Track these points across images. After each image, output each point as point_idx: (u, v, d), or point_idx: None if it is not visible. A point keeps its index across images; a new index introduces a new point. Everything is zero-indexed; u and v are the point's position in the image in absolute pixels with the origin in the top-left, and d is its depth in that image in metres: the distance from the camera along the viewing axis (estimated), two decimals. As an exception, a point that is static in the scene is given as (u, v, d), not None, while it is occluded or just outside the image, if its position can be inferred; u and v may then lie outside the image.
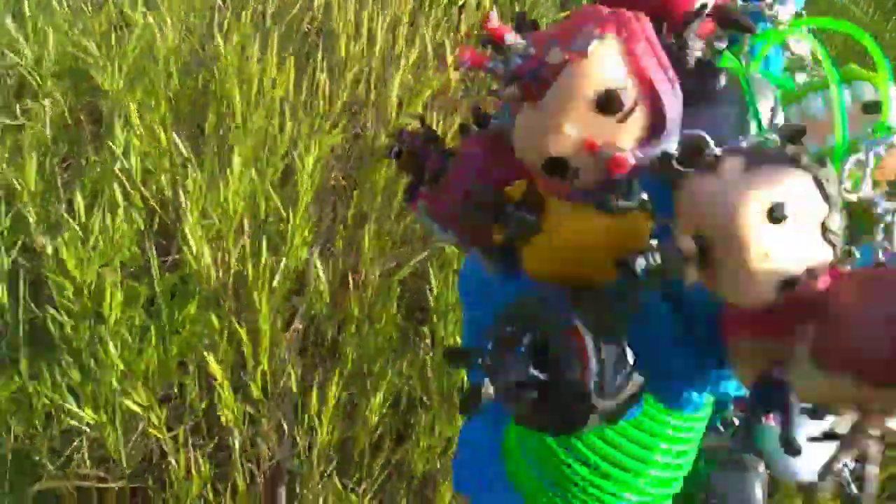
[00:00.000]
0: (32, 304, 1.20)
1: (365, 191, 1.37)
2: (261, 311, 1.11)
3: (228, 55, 1.38)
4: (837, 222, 0.30)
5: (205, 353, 1.04)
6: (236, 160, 1.10)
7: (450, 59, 1.58)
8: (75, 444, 1.07)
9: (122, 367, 0.97)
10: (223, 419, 1.10)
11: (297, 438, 1.12)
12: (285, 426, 1.15)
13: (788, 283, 0.29)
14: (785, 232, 0.29)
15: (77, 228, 0.99)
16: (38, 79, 1.37)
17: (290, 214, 1.17)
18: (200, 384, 1.12)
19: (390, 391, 1.12)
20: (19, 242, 1.24)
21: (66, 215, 1.03)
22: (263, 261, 1.17)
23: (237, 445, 1.09)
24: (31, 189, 1.17)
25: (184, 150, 1.26)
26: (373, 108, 1.53)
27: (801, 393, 0.30)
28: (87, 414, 0.96)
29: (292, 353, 1.17)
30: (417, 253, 1.31)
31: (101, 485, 1.07)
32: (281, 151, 1.29)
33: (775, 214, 0.28)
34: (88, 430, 1.04)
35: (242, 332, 1.14)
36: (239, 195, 1.11)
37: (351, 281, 1.25)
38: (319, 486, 1.12)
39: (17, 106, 1.36)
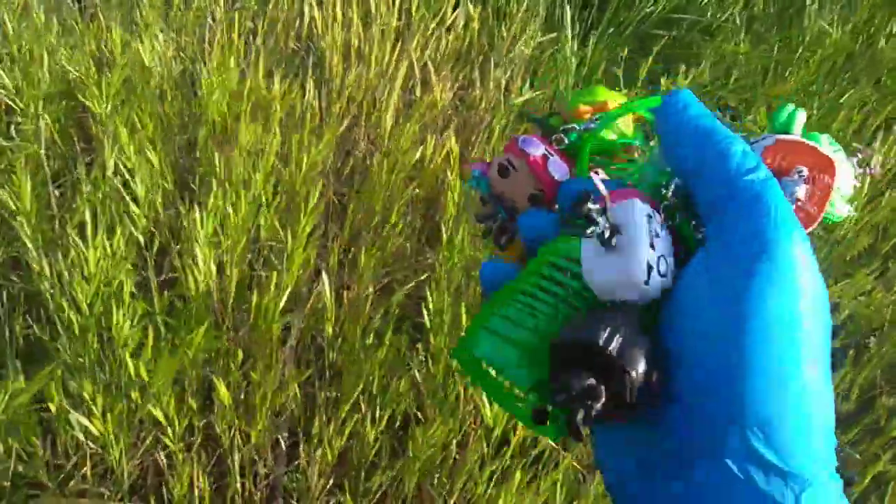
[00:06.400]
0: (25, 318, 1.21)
1: (358, 208, 1.39)
2: (260, 328, 1.12)
3: (218, 71, 1.39)
4: None
5: (210, 373, 1.05)
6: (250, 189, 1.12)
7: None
8: (74, 459, 1.08)
9: (144, 377, 0.98)
10: (222, 436, 1.11)
11: (300, 455, 1.14)
12: (283, 443, 1.16)
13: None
14: None
15: (83, 248, 1.00)
16: (27, 101, 1.37)
17: (288, 233, 1.19)
18: (198, 400, 1.13)
19: (389, 408, 1.14)
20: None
21: (72, 236, 1.04)
22: (262, 279, 1.18)
23: (236, 461, 1.10)
24: (26, 209, 1.17)
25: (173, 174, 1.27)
26: (364, 127, 1.56)
27: None
28: (96, 426, 0.97)
29: (290, 370, 1.18)
30: (410, 269, 1.34)
31: (100, 501, 1.07)
32: (269, 168, 1.30)
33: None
34: (92, 445, 1.05)
35: (239, 351, 1.15)
36: (244, 216, 1.13)
37: (346, 298, 1.27)
38: (316, 503, 1.13)
39: (12, 127, 1.36)
